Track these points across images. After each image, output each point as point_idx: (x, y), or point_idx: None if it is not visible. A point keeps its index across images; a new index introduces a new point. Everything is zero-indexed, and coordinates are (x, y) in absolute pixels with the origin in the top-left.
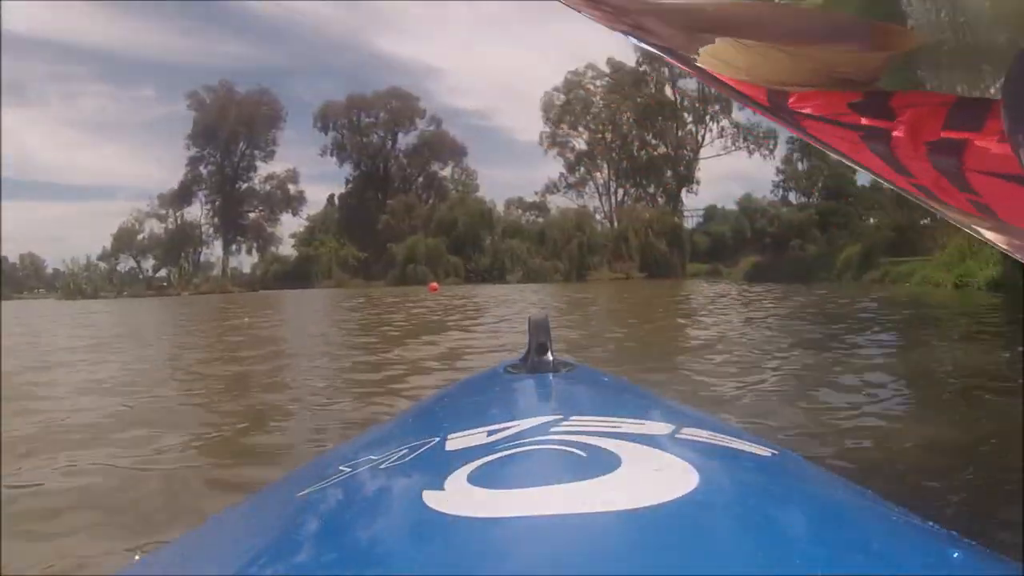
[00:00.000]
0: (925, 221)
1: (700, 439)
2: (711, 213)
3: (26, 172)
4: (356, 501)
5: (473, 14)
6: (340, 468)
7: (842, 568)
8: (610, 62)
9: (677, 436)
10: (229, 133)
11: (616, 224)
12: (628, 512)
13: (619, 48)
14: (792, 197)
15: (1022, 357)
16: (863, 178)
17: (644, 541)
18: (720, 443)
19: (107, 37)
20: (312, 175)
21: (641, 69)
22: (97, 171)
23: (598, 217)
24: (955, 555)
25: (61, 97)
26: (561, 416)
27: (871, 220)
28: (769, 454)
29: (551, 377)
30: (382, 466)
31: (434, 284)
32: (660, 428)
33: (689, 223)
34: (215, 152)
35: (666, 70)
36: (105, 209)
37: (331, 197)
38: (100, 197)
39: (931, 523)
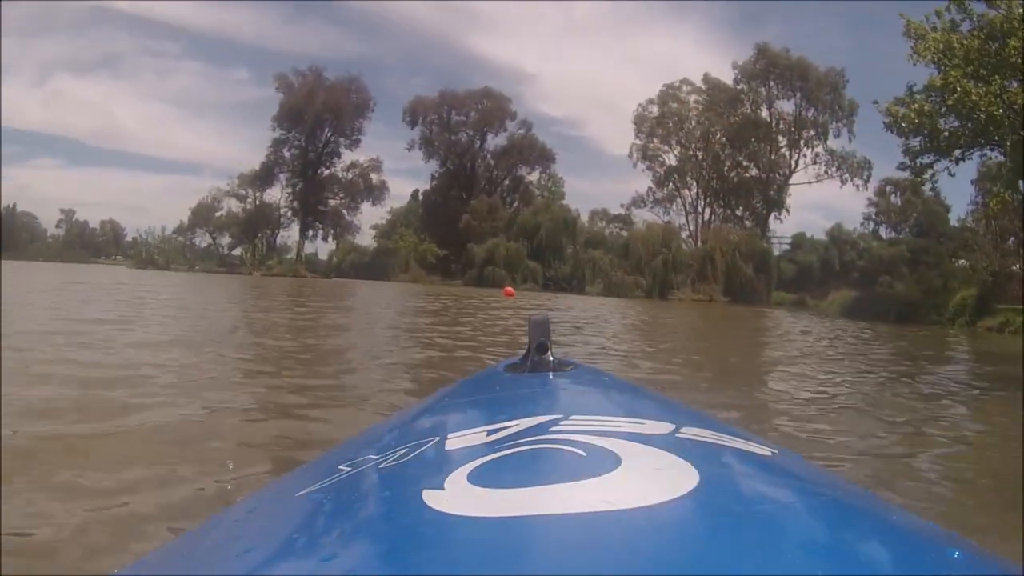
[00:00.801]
0: (1015, 267)
1: (700, 438)
2: (799, 241)
3: (115, 142)
4: (356, 501)
5: (569, 22)
6: (340, 468)
7: (842, 568)
8: (706, 79)
9: (677, 435)
10: (315, 118)
11: (701, 244)
12: (628, 511)
13: (715, 64)
14: (882, 232)
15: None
16: (955, 216)
17: (644, 540)
18: (720, 442)
19: (204, 18)
20: (398, 169)
21: (738, 88)
22: (186, 147)
23: (683, 235)
24: (955, 555)
25: (155, 73)
26: (561, 415)
27: (960, 261)
28: (769, 453)
29: (551, 376)
30: (382, 466)
31: (509, 288)
32: (660, 427)
33: (775, 250)
34: (300, 136)
35: (763, 90)
36: (190, 185)
37: (415, 192)
38: (187, 172)
39: (931, 523)
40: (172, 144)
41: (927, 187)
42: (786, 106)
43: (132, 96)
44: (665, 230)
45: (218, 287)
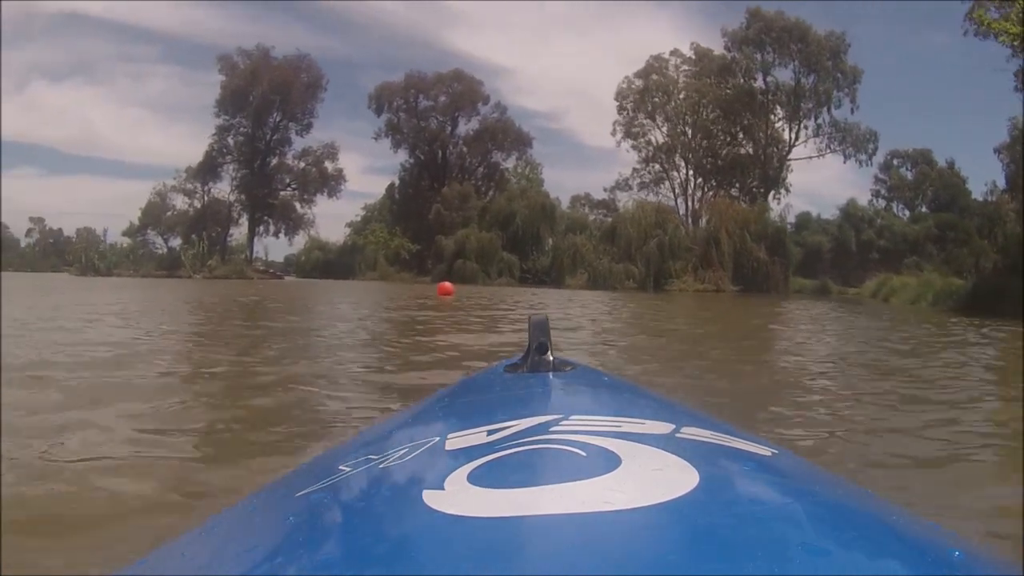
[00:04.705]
0: None
1: (700, 439)
2: (803, 221)
3: (91, 149)
4: (356, 501)
5: (548, 13)
6: (340, 468)
7: (842, 568)
8: (694, 47)
9: (677, 435)
10: (261, 99)
11: (699, 225)
12: (628, 511)
13: (703, 39)
14: (895, 208)
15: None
16: (978, 189)
17: (644, 540)
18: (720, 443)
19: (173, 20)
20: (376, 167)
21: (730, 55)
22: (162, 151)
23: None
24: (955, 555)
25: (129, 77)
26: (561, 415)
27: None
28: (769, 453)
29: (551, 376)
30: (382, 466)
31: (446, 284)
32: (660, 427)
33: None
34: (246, 121)
35: (758, 56)
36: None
37: (390, 186)
38: (165, 176)
39: (931, 523)
40: (148, 149)
41: None
42: (783, 75)
43: (106, 101)
44: (659, 209)
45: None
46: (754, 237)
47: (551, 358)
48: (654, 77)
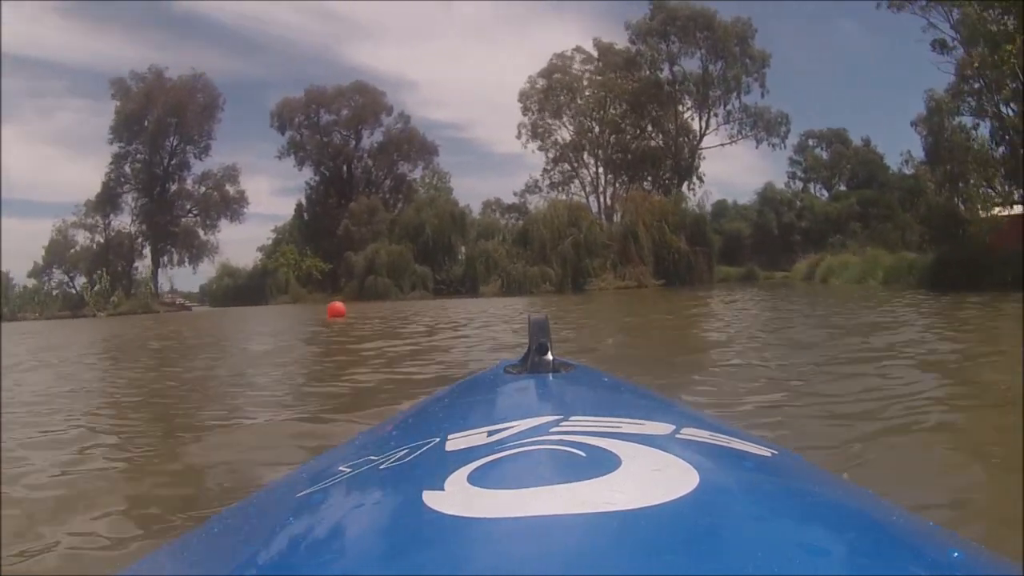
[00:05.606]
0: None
1: (700, 439)
2: (720, 209)
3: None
4: (356, 501)
5: (451, 23)
6: (340, 468)
7: (842, 568)
8: (597, 43)
9: (677, 436)
10: (157, 123)
11: (614, 220)
12: (628, 512)
13: (607, 35)
14: (812, 189)
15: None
16: (895, 162)
17: (644, 541)
18: (720, 443)
19: (75, 51)
20: (286, 188)
21: (635, 48)
22: (80, 186)
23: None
24: (955, 555)
25: (38, 113)
26: (561, 416)
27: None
28: (769, 454)
29: (551, 377)
30: (382, 466)
31: (338, 304)
32: (660, 428)
33: None
34: (143, 147)
35: (664, 46)
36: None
37: (298, 206)
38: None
39: (931, 523)
40: (59, 183)
41: None
42: (690, 64)
43: (18, 139)
44: (572, 207)
45: None
46: (673, 228)
47: (551, 358)
48: (557, 76)
